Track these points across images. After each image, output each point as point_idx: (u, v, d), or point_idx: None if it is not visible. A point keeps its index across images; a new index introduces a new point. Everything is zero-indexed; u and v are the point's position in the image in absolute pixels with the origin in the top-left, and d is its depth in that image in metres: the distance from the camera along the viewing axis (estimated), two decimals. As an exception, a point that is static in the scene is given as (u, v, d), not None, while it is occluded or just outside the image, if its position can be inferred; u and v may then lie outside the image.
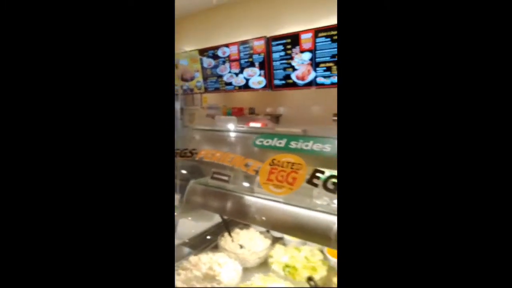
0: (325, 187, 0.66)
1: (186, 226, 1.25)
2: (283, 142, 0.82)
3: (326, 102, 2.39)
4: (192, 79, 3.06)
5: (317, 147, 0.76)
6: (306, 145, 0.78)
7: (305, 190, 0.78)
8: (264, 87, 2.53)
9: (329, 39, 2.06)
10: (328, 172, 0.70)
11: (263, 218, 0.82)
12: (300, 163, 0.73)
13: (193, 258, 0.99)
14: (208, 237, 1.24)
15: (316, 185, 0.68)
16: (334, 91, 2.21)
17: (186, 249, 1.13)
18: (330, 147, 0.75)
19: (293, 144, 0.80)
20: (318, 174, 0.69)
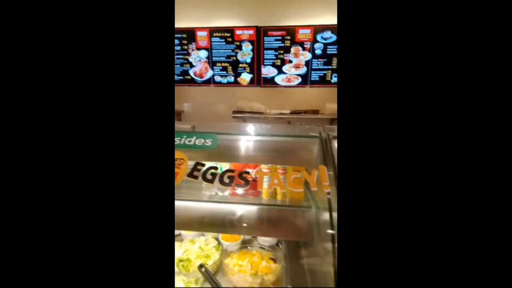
0: (204, 178, 0.72)
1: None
2: (167, 139, 0.82)
3: (226, 100, 2.52)
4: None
5: (199, 142, 0.81)
6: (190, 141, 0.81)
7: (196, 184, 0.82)
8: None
9: (223, 40, 2.17)
10: (208, 164, 0.76)
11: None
12: (182, 158, 0.76)
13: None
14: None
15: (196, 177, 0.73)
16: (232, 89, 2.36)
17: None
18: (211, 141, 0.81)
19: (177, 140, 0.82)
20: (198, 167, 0.74)
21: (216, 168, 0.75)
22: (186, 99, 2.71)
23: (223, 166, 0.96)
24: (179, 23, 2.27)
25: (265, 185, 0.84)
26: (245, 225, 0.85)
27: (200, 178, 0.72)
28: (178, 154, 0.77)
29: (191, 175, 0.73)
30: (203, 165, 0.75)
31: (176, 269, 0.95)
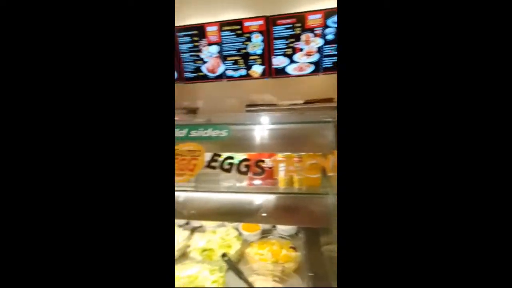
0: (222, 168, 0.74)
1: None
2: (184, 132, 0.85)
3: (239, 94, 2.53)
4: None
5: (215, 133, 0.82)
6: (205, 133, 0.83)
7: (213, 176, 0.84)
8: (176, 80, 2.44)
9: (233, 33, 2.16)
10: (225, 155, 0.78)
11: (185, 211, 0.83)
12: (199, 150, 0.78)
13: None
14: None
15: (214, 168, 0.74)
16: (244, 83, 2.36)
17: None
18: (226, 132, 0.82)
19: (193, 133, 0.84)
20: (215, 158, 0.75)
21: (232, 158, 0.77)
22: (200, 96, 2.75)
23: (239, 156, 0.97)
24: (189, 20, 2.30)
25: (281, 173, 0.85)
26: (264, 214, 0.87)
27: (218, 168, 0.74)
28: (195, 146, 0.79)
29: (209, 165, 0.75)
30: (220, 155, 0.76)
31: (200, 257, 0.99)
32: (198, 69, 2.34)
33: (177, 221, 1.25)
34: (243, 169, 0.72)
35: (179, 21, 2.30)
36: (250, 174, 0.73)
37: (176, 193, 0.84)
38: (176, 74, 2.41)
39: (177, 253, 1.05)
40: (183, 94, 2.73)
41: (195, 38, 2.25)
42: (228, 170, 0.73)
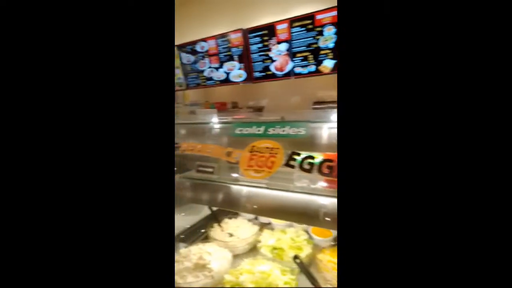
0: (301, 167, 0.70)
1: (176, 221, 1.27)
2: (261, 129, 0.85)
3: (306, 91, 2.44)
4: (171, 76, 3.00)
5: (293, 131, 0.80)
6: (283, 130, 0.81)
7: (286, 175, 0.82)
8: (245, 80, 2.54)
9: (303, 28, 2.09)
10: (304, 154, 0.74)
11: (250, 205, 0.85)
12: (278, 147, 0.77)
13: (183, 251, 1.01)
14: (200, 229, 1.26)
15: (293, 167, 0.72)
16: (311, 80, 2.26)
17: (178, 243, 1.15)
18: (304, 130, 0.78)
19: (270, 131, 0.83)
20: (294, 156, 0.73)
21: (312, 157, 0.72)
22: (264, 95, 2.80)
23: (318, 156, 0.92)
24: (260, 21, 2.36)
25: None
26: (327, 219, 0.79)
27: (297, 168, 0.71)
28: (273, 143, 0.79)
29: (287, 164, 0.72)
30: (299, 154, 0.73)
31: (270, 255, 0.99)
32: (266, 68, 2.37)
33: (246, 215, 1.30)
34: (326, 170, 0.67)
35: (249, 23, 2.38)
36: (332, 176, 0.67)
37: (246, 189, 0.85)
38: (245, 75, 2.51)
39: (248, 246, 1.08)
40: (247, 93, 2.83)
41: (265, 38, 2.28)
42: (308, 171, 0.69)
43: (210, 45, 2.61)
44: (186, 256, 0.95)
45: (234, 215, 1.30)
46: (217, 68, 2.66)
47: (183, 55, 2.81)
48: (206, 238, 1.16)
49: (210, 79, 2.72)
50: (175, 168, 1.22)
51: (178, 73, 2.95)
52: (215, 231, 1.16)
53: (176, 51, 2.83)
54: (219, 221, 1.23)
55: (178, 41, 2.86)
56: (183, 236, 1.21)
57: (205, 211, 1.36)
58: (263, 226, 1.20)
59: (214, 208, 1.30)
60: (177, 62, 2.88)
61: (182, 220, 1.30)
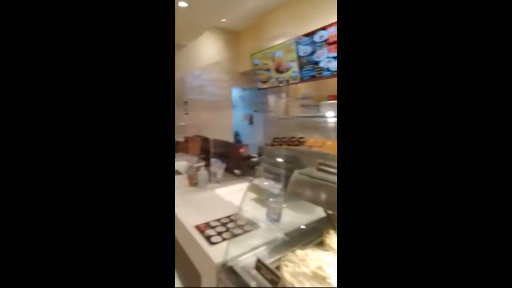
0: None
1: (287, 217, 1.24)
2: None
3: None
4: (287, 70, 3.06)
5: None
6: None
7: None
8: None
9: None
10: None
11: None
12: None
13: (299, 252, 0.95)
14: (314, 232, 1.17)
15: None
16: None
17: (289, 241, 1.11)
18: None
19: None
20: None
21: None
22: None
23: None
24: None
25: None
26: None
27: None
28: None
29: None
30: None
31: None
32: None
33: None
34: None
35: None
36: None
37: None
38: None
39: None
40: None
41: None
42: None
43: (330, 33, 2.42)
44: (303, 260, 0.88)
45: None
46: (334, 58, 2.44)
47: (300, 47, 2.77)
48: (320, 244, 1.06)
49: (327, 69, 2.54)
50: (289, 164, 1.18)
51: (293, 67, 2.95)
52: (332, 239, 1.04)
53: (293, 45, 2.82)
54: (335, 228, 1.09)
55: (297, 34, 2.84)
56: (294, 235, 1.16)
57: (318, 211, 1.26)
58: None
59: (330, 212, 1.17)
60: (293, 56, 2.88)
61: (293, 217, 1.25)
